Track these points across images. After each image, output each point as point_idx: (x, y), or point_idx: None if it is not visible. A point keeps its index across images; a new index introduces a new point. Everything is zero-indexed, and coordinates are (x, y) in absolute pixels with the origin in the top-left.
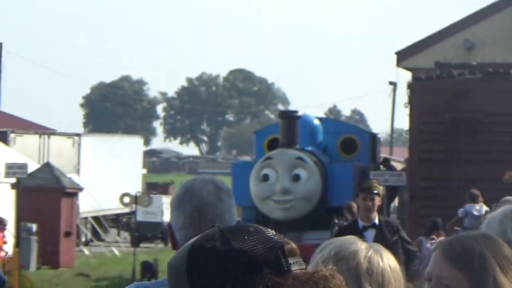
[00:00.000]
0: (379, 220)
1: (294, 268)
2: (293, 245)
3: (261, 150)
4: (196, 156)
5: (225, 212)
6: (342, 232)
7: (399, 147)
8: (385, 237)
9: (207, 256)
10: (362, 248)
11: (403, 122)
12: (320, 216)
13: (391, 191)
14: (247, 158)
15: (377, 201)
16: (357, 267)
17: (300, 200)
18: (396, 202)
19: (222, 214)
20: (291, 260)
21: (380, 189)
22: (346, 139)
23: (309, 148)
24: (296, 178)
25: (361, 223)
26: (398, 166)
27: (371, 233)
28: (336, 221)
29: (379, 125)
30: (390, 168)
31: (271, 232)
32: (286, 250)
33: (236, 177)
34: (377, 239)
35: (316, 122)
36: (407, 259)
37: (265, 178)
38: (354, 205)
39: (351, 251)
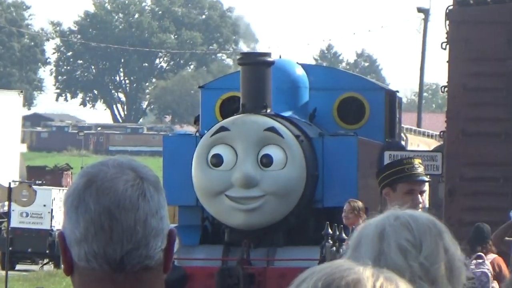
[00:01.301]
0: None
1: None
2: None
3: (210, 117)
4: (108, 125)
5: (152, 215)
6: None
7: (431, 113)
8: None
9: None
10: (366, 275)
11: (438, 73)
12: (305, 223)
13: None
14: (188, 129)
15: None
16: None
17: (273, 197)
18: (425, 200)
19: (146, 219)
20: None
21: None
22: (347, 99)
23: (288, 114)
24: (266, 161)
25: None
26: (430, 143)
27: None
28: (330, 231)
29: (400, 79)
30: (394, 144)
31: None
32: None
33: (170, 159)
34: None
35: (300, 71)
36: None
37: (217, 161)
38: (361, 204)
39: (349, 281)
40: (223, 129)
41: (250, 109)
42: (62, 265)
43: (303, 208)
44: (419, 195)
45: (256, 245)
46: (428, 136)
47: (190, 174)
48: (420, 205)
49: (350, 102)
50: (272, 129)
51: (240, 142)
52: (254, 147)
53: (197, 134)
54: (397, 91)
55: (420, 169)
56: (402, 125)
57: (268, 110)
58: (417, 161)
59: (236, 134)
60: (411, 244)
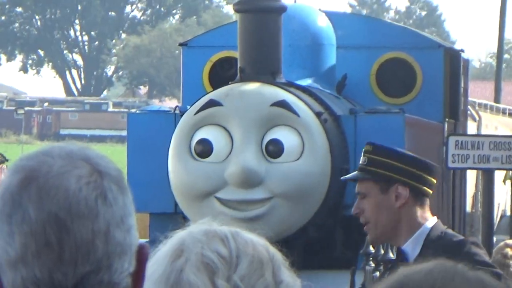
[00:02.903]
0: (427, 242)
1: None
2: None
3: (195, 86)
4: (58, 100)
5: (115, 225)
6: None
7: None
8: None
9: None
10: None
11: None
12: (330, 237)
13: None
14: (171, 105)
15: (372, 195)
16: None
17: (283, 200)
18: (506, 206)
19: (108, 231)
20: None
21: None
22: (390, 62)
23: (306, 83)
24: (275, 150)
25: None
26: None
27: None
28: (372, 249)
29: (470, 35)
30: None
31: None
32: None
33: (137, 146)
34: None
35: (323, 22)
36: None
37: (204, 149)
38: None
39: None
40: (213, 103)
41: (252, 76)
42: None
43: (327, 216)
44: (360, 200)
45: None
46: (510, 115)
47: (165, 168)
48: (363, 215)
49: (394, 66)
50: (282, 104)
51: (237, 122)
52: (257, 130)
53: (177, 111)
54: (462, 50)
55: (361, 160)
56: (473, 99)
57: (278, 77)
58: (370, 148)
59: (231, 111)
60: (222, 259)
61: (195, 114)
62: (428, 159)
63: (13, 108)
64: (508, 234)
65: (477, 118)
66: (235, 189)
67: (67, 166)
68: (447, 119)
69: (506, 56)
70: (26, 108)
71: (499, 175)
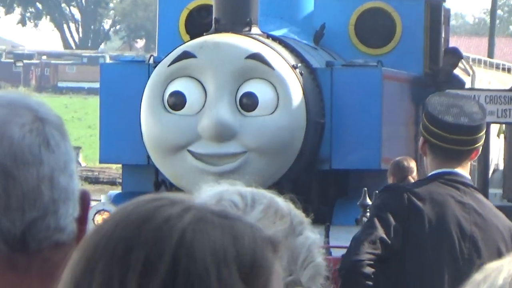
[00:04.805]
0: None
1: None
2: None
3: (171, 36)
4: (56, 53)
5: (60, 170)
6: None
7: (508, 38)
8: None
9: None
10: None
11: None
12: (305, 192)
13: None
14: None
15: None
16: None
17: (257, 154)
18: (499, 160)
19: (53, 177)
20: None
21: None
22: (369, 12)
23: (283, 33)
24: (249, 103)
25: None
26: (506, 79)
27: None
28: (369, 201)
29: None
30: (455, 80)
31: None
32: None
33: (110, 97)
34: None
35: None
36: None
37: (177, 101)
38: (413, 164)
39: None
40: (186, 55)
41: (227, 27)
42: None
43: (302, 171)
44: None
45: None
46: (503, 69)
47: (139, 119)
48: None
49: (374, 16)
50: (257, 57)
51: (211, 74)
52: (231, 83)
53: (151, 61)
54: (444, 0)
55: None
56: (468, 54)
57: (254, 29)
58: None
59: (205, 63)
60: (235, 207)
61: (168, 66)
62: (403, 112)
63: (12, 61)
64: (501, 188)
65: (471, 73)
66: (208, 143)
67: (9, 114)
68: (426, 71)
69: (499, 12)
70: (25, 61)
71: (493, 129)
